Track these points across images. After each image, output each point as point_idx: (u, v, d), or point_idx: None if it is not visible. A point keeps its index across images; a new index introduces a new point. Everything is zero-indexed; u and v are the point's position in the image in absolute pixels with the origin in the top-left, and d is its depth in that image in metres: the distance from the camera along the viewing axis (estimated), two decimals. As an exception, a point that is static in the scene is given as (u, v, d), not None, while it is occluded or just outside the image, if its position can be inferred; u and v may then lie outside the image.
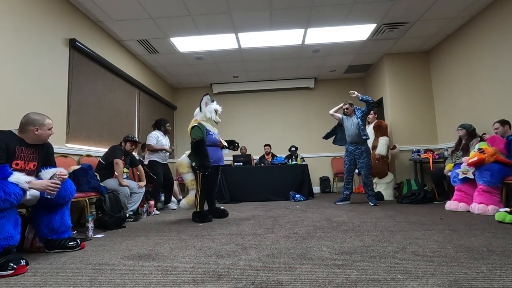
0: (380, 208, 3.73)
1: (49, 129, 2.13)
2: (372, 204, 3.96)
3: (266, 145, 6.24)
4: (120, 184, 3.27)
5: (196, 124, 3.22)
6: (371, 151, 4.73)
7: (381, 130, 4.78)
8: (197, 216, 3.17)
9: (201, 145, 3.09)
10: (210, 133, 3.28)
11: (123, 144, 3.60)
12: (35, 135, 2.04)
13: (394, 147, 5.14)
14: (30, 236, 2.16)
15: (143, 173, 3.80)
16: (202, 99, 3.34)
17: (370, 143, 4.80)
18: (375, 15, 4.11)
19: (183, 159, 3.34)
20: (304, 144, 6.76)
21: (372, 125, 4.93)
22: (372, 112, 4.98)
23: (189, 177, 3.30)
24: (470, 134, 3.80)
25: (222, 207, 3.53)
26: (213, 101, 3.46)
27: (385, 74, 5.58)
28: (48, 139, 2.17)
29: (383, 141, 4.68)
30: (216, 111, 3.39)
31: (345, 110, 4.23)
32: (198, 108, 3.38)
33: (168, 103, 6.54)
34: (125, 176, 3.55)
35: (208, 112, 3.31)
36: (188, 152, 3.34)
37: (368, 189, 4.09)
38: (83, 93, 3.77)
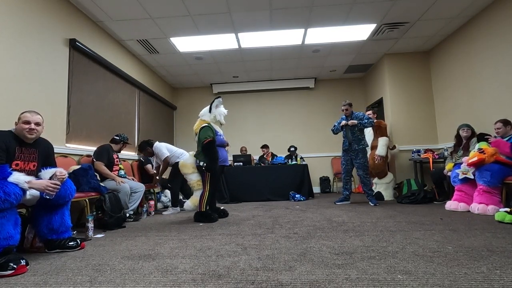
0: (380, 208, 3.73)
1: (24, 123, 2.00)
2: (372, 204, 3.96)
3: (263, 146, 6.20)
4: (115, 180, 3.26)
5: (206, 124, 3.25)
6: (371, 151, 4.74)
7: (380, 130, 4.78)
8: (203, 216, 3.14)
9: (212, 146, 3.14)
10: (218, 134, 3.34)
11: (116, 144, 3.62)
12: (16, 130, 2.03)
13: (394, 147, 5.14)
14: (30, 236, 2.16)
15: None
16: (213, 101, 3.38)
17: (369, 143, 4.80)
18: (375, 15, 4.11)
19: (187, 160, 3.33)
20: (304, 144, 6.76)
21: (371, 125, 4.92)
22: (371, 112, 4.97)
23: (194, 178, 3.28)
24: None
25: (222, 207, 3.53)
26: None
27: (385, 74, 5.58)
28: (29, 135, 2.02)
29: (382, 141, 4.67)
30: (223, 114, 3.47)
31: (345, 111, 4.24)
32: (206, 109, 3.41)
33: (168, 103, 6.54)
34: (122, 173, 3.56)
35: (218, 115, 3.37)
36: (192, 152, 3.36)
37: (367, 189, 4.09)
38: (83, 93, 3.77)
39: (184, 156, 3.90)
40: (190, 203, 3.27)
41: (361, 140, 4.13)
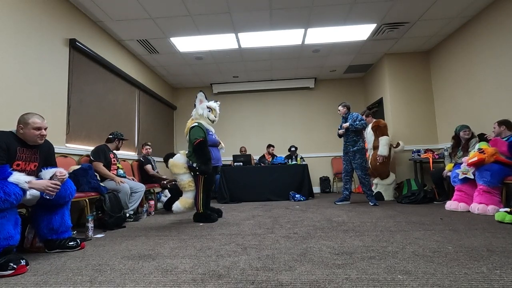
0: (380, 208, 3.73)
1: (35, 129, 2.01)
2: (372, 204, 3.96)
3: (270, 145, 6.20)
4: (114, 180, 3.24)
5: (196, 123, 3.14)
6: (373, 151, 4.73)
7: (380, 130, 4.74)
8: (203, 217, 3.10)
9: (204, 146, 3.01)
10: (210, 133, 3.22)
11: (111, 143, 3.60)
12: (21, 134, 2.01)
13: (398, 144, 5.07)
14: (30, 236, 2.16)
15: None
16: (196, 97, 3.25)
17: (370, 143, 4.80)
18: (375, 15, 4.11)
19: (178, 159, 3.18)
20: (304, 144, 6.76)
21: (370, 126, 4.91)
22: (369, 116, 4.95)
23: (186, 178, 3.14)
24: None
25: (217, 208, 3.50)
26: (215, 101, 3.42)
27: (385, 74, 5.58)
28: (40, 140, 2.05)
29: (383, 141, 4.65)
30: (211, 109, 3.27)
31: (338, 111, 4.35)
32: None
33: (168, 103, 6.54)
34: (121, 173, 3.55)
35: (200, 109, 3.20)
36: (183, 151, 3.26)
37: (366, 189, 4.09)
38: (83, 93, 3.77)
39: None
40: (180, 205, 3.10)
41: (356, 142, 4.15)
